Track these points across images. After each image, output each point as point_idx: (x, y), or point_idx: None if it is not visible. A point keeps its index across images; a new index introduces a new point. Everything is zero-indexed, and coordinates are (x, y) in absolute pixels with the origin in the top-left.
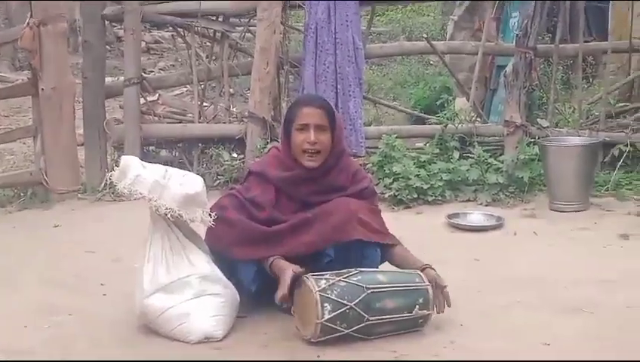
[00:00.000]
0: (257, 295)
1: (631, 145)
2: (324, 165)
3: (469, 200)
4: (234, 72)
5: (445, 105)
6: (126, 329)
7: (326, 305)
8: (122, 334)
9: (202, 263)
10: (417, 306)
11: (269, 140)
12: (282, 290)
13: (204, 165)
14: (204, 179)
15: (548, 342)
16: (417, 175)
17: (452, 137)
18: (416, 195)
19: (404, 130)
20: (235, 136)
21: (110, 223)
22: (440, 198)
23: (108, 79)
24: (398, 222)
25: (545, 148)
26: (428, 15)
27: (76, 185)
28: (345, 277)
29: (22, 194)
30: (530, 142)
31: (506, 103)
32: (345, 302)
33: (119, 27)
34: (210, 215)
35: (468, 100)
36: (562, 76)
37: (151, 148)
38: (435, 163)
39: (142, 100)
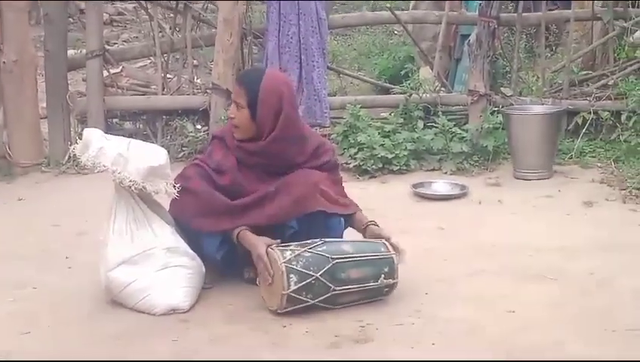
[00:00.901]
0: (223, 262)
1: (594, 113)
2: (263, 143)
3: (433, 170)
4: (197, 43)
5: (410, 75)
6: (91, 302)
7: (292, 276)
8: (87, 307)
9: (167, 235)
10: (383, 275)
11: None
12: (265, 270)
13: (169, 137)
14: (168, 151)
15: (513, 310)
16: (382, 145)
17: (416, 107)
18: (381, 165)
19: (369, 100)
20: (199, 107)
21: (74, 196)
22: (405, 168)
23: (70, 52)
24: (363, 192)
25: (509, 116)
26: None
27: (40, 158)
28: (310, 248)
29: None
30: (494, 110)
31: (469, 72)
32: (310, 272)
33: None
34: (174, 186)
35: (432, 70)
36: (525, 45)
37: (115, 120)
38: (399, 132)
39: (105, 73)
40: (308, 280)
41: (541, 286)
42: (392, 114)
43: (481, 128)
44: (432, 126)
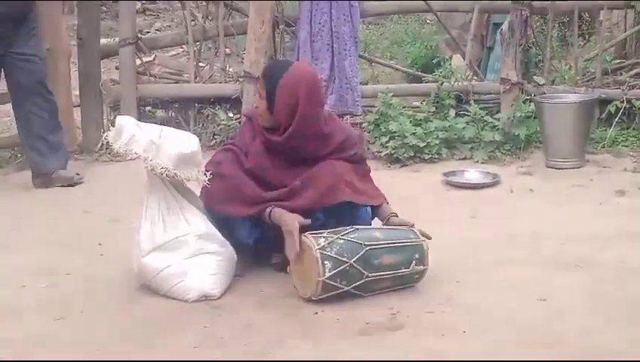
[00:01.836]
0: (255, 247)
1: (627, 102)
2: (283, 137)
3: (465, 158)
4: (229, 31)
5: (442, 63)
6: (123, 288)
7: (326, 262)
8: (119, 293)
9: (199, 222)
10: (414, 261)
11: None
12: (293, 246)
13: (201, 125)
14: (200, 139)
15: (544, 298)
16: (414, 133)
17: (448, 95)
18: (412, 153)
19: (401, 88)
20: (231, 95)
21: (107, 183)
22: (436, 156)
23: (103, 40)
24: (394, 181)
25: (541, 105)
26: None
27: (73, 145)
28: (343, 235)
29: (19, 155)
30: (527, 99)
31: (502, 61)
32: (345, 259)
33: None
34: (205, 174)
35: (463, 58)
36: (558, 33)
37: (147, 108)
38: (431, 121)
39: (138, 61)
40: (342, 267)
41: (572, 275)
42: (424, 102)
43: (513, 117)
44: (464, 114)
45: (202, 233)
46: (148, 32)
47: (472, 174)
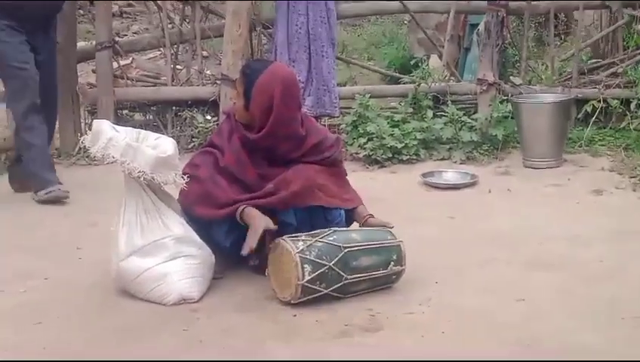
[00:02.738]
0: (232, 249)
1: (603, 101)
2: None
3: (443, 159)
4: (206, 34)
5: (419, 64)
6: (102, 292)
7: (306, 266)
8: (98, 297)
9: (177, 225)
10: (392, 263)
11: None
12: (252, 240)
13: (178, 128)
14: (178, 142)
15: (522, 298)
16: (391, 134)
17: (425, 96)
18: (390, 155)
19: (378, 89)
20: (209, 98)
21: (85, 188)
22: (414, 157)
23: (81, 43)
24: (373, 182)
25: (518, 105)
26: None
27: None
28: (321, 238)
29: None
30: (504, 99)
31: (479, 61)
32: (324, 262)
33: None
34: (182, 177)
35: (440, 58)
36: (534, 33)
37: (125, 111)
38: (409, 122)
39: (115, 64)
40: (322, 270)
41: (550, 275)
42: (402, 103)
43: (491, 117)
44: (442, 115)
45: (180, 236)
46: (125, 35)
47: (450, 175)
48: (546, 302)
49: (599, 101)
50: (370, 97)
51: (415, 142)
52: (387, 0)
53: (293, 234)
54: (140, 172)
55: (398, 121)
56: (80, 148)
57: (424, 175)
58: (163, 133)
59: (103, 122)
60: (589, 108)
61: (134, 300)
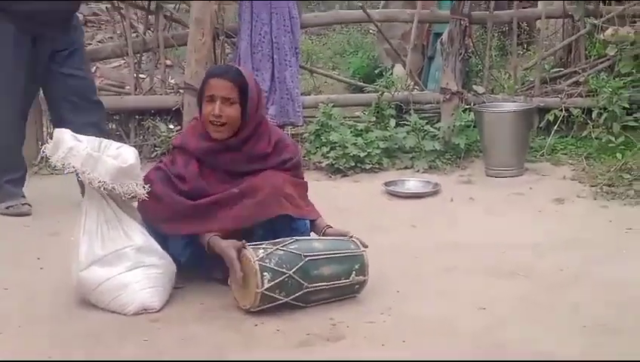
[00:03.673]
0: (187, 265)
1: (565, 110)
2: (241, 136)
3: (406, 168)
4: (170, 43)
5: (384, 73)
6: (62, 302)
7: (265, 274)
8: (58, 307)
9: (138, 235)
10: (354, 272)
11: None
12: (236, 272)
13: (142, 137)
14: (140, 151)
15: (484, 306)
16: (354, 143)
17: (389, 105)
18: (353, 163)
19: (341, 98)
20: (172, 107)
21: (47, 197)
22: (377, 166)
23: None
24: (336, 191)
25: (480, 114)
26: None
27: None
28: (282, 246)
29: None
30: (466, 108)
31: (442, 71)
32: (283, 270)
33: None
34: (144, 187)
35: (404, 68)
36: (497, 43)
37: None
38: (372, 131)
39: None
40: (281, 278)
41: (512, 283)
42: (365, 112)
43: (454, 126)
44: (405, 124)
45: (141, 246)
46: (90, 44)
47: (413, 183)
48: (507, 311)
49: (561, 110)
50: (334, 106)
51: (378, 151)
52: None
53: (256, 243)
54: (100, 182)
55: (361, 130)
56: (42, 158)
57: (387, 184)
58: (126, 142)
59: (64, 131)
60: (551, 117)
61: (95, 310)
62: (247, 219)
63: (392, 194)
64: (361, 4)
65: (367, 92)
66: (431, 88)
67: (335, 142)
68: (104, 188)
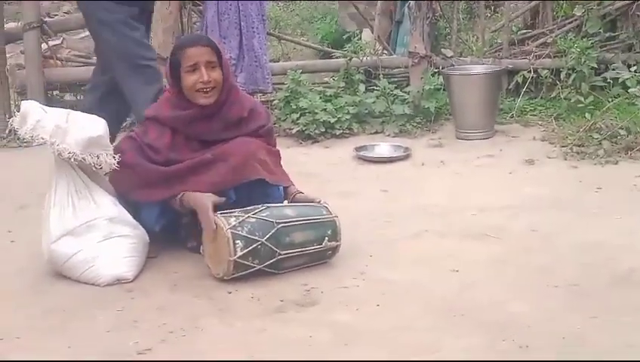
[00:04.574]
0: (162, 234)
1: (534, 72)
2: (217, 102)
3: (376, 133)
4: None
5: (352, 38)
6: (34, 275)
7: (238, 241)
8: (30, 280)
9: (109, 205)
10: (326, 238)
11: None
12: (210, 223)
13: None
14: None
15: (456, 269)
16: (324, 109)
17: (357, 70)
18: (323, 129)
19: (310, 65)
20: None
21: (16, 170)
22: (347, 131)
23: (11, 24)
24: (306, 157)
25: (449, 77)
26: None
27: None
28: (254, 214)
29: None
30: (435, 72)
31: (410, 35)
32: (256, 237)
33: None
34: (114, 157)
35: (372, 33)
36: (465, 6)
37: (55, 92)
38: (341, 96)
39: (44, 45)
40: (254, 246)
41: (484, 245)
42: (334, 78)
43: (423, 90)
44: (374, 89)
45: (113, 216)
46: (56, 15)
47: (383, 148)
48: (480, 273)
49: (530, 71)
50: (303, 73)
51: (348, 117)
52: None
53: (227, 211)
54: (70, 153)
55: (330, 95)
56: (10, 131)
57: (357, 149)
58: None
59: (31, 103)
60: (519, 79)
61: (68, 282)
62: (221, 184)
63: (363, 159)
64: None
65: (336, 58)
66: (399, 52)
67: (305, 109)
68: (74, 159)
